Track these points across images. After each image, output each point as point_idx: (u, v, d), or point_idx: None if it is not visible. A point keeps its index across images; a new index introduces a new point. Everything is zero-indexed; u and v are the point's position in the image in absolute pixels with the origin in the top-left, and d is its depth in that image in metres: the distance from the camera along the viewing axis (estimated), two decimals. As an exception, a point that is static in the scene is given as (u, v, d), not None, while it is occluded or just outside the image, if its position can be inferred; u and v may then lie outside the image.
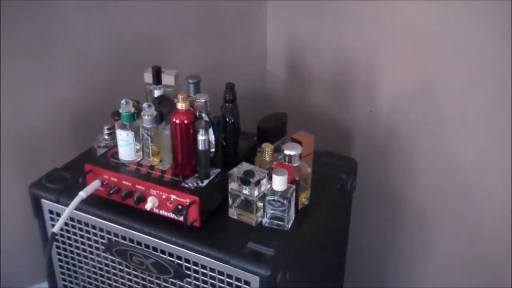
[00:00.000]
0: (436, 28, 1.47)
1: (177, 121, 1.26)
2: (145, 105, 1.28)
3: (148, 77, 1.47)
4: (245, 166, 1.27)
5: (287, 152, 1.30)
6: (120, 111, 1.30)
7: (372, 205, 1.80)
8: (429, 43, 1.49)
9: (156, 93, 1.45)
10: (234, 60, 1.93)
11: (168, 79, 1.47)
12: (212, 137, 1.30)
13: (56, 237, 1.40)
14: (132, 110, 1.30)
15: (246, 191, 1.24)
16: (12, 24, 1.54)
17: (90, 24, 1.65)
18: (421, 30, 1.50)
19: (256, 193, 1.24)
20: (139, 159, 1.34)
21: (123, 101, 1.29)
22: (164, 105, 1.34)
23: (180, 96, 1.25)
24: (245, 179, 1.23)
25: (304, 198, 1.35)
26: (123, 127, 1.31)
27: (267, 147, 1.36)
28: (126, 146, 1.32)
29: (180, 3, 1.75)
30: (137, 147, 1.32)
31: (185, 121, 1.25)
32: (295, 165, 1.29)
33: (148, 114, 1.29)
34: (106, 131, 1.44)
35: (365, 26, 1.64)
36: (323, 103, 1.84)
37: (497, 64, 1.36)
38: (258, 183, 1.23)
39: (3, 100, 1.60)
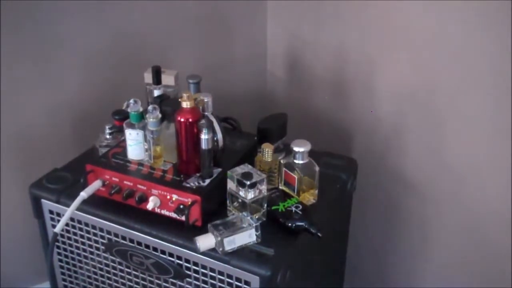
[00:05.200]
0: (436, 28, 1.47)
1: (182, 120, 1.26)
2: (150, 107, 1.28)
3: (148, 77, 1.48)
4: (246, 168, 1.26)
5: (296, 148, 1.31)
6: (129, 110, 1.30)
7: (372, 205, 1.80)
8: (429, 43, 1.49)
9: (156, 93, 1.45)
10: (234, 60, 1.93)
11: (168, 79, 1.48)
12: (220, 135, 1.30)
13: (57, 237, 1.40)
14: (141, 109, 1.30)
15: (242, 192, 1.24)
16: (13, 24, 1.54)
17: (90, 24, 1.65)
18: (421, 30, 1.50)
19: (250, 195, 1.24)
20: (147, 158, 1.34)
21: (131, 101, 1.30)
22: (166, 104, 1.34)
23: (185, 95, 1.25)
24: (242, 181, 1.23)
25: (311, 196, 1.35)
26: (132, 126, 1.31)
27: (267, 147, 1.36)
28: (136, 145, 1.32)
29: (180, 3, 1.75)
30: (146, 147, 1.32)
31: (190, 119, 1.26)
32: (303, 162, 1.31)
33: (153, 116, 1.28)
34: (107, 131, 1.44)
35: (365, 26, 1.64)
36: (323, 103, 1.84)
37: (497, 64, 1.36)
38: (253, 186, 1.23)
39: (3, 100, 1.60)
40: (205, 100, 1.32)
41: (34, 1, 1.54)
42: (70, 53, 1.65)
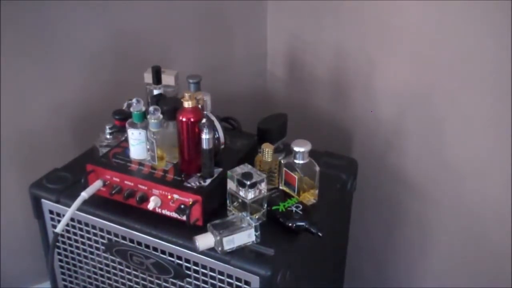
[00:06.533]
0: (436, 28, 1.47)
1: (184, 119, 1.26)
2: (151, 108, 1.28)
3: (148, 77, 1.48)
4: (246, 168, 1.26)
5: (296, 148, 1.31)
6: (131, 109, 1.30)
7: (372, 205, 1.80)
8: (429, 43, 1.49)
9: (156, 93, 1.45)
10: (234, 60, 1.93)
11: (168, 79, 1.48)
12: (221, 134, 1.30)
13: (58, 237, 1.40)
14: (143, 109, 1.30)
15: (242, 193, 1.24)
16: (13, 24, 1.53)
17: (90, 24, 1.64)
18: (421, 30, 1.50)
19: (250, 195, 1.24)
20: (149, 158, 1.34)
21: (134, 100, 1.30)
22: (163, 104, 1.34)
23: (186, 94, 1.25)
24: (242, 181, 1.23)
25: (311, 196, 1.35)
26: (134, 126, 1.31)
27: (268, 148, 1.36)
28: (139, 145, 1.32)
29: (181, 3, 1.75)
30: (148, 146, 1.32)
31: (192, 119, 1.26)
32: (303, 162, 1.31)
33: (154, 117, 1.28)
34: (108, 131, 1.44)
35: (365, 26, 1.64)
36: (323, 103, 1.84)
37: (497, 64, 1.36)
38: (253, 186, 1.23)
39: (3, 100, 1.60)
40: (204, 99, 1.32)
41: (34, 1, 1.54)
42: (70, 53, 1.65)
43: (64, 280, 1.50)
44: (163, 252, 1.28)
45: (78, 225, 1.38)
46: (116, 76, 1.71)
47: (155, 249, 1.29)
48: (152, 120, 1.28)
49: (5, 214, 1.72)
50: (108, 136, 1.44)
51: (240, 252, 1.20)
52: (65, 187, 1.39)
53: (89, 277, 1.45)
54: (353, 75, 1.72)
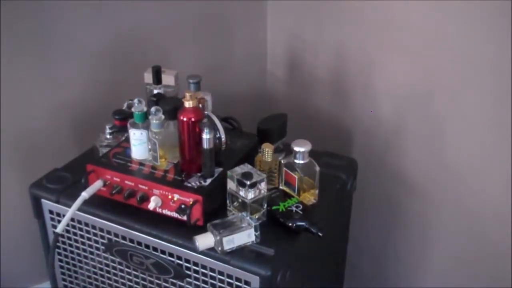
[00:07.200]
0: (436, 28, 1.47)
1: (185, 119, 1.26)
2: (153, 109, 1.28)
3: (148, 77, 1.48)
4: (246, 167, 1.26)
5: (296, 148, 1.31)
6: (133, 110, 1.31)
7: (372, 205, 1.80)
8: (429, 43, 1.49)
9: (155, 93, 1.45)
10: (234, 60, 1.93)
11: (168, 79, 1.48)
12: (223, 134, 1.31)
13: (58, 237, 1.40)
14: (145, 109, 1.30)
15: (242, 192, 1.24)
16: (13, 24, 1.53)
17: (90, 24, 1.65)
18: (421, 30, 1.50)
19: (251, 195, 1.24)
20: (150, 158, 1.34)
21: (135, 100, 1.30)
22: (163, 103, 1.34)
23: (187, 94, 1.25)
24: (242, 181, 1.23)
25: (311, 196, 1.35)
26: (136, 126, 1.31)
27: (268, 148, 1.36)
28: (140, 145, 1.32)
29: (180, 3, 1.75)
30: (150, 147, 1.32)
31: (193, 119, 1.26)
32: (303, 162, 1.31)
33: (156, 118, 1.28)
34: (108, 131, 1.44)
35: (365, 26, 1.64)
36: (323, 103, 1.84)
37: (497, 64, 1.36)
38: (253, 185, 1.23)
39: (3, 100, 1.60)
40: (206, 99, 1.32)
41: (34, 1, 1.54)
42: (70, 53, 1.65)
43: (64, 280, 1.50)
44: (163, 252, 1.28)
45: (78, 225, 1.38)
46: (116, 76, 1.71)
47: (155, 249, 1.29)
48: (154, 121, 1.28)
49: (5, 214, 1.72)
50: (108, 136, 1.44)
51: (240, 252, 1.20)
52: (65, 187, 1.39)
53: (89, 277, 1.45)
54: (353, 75, 1.72)
